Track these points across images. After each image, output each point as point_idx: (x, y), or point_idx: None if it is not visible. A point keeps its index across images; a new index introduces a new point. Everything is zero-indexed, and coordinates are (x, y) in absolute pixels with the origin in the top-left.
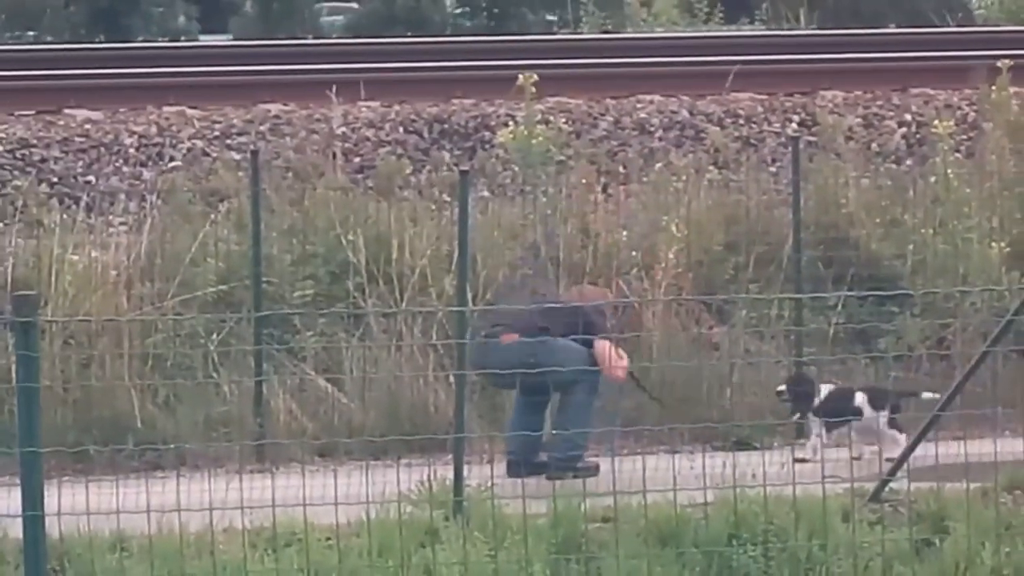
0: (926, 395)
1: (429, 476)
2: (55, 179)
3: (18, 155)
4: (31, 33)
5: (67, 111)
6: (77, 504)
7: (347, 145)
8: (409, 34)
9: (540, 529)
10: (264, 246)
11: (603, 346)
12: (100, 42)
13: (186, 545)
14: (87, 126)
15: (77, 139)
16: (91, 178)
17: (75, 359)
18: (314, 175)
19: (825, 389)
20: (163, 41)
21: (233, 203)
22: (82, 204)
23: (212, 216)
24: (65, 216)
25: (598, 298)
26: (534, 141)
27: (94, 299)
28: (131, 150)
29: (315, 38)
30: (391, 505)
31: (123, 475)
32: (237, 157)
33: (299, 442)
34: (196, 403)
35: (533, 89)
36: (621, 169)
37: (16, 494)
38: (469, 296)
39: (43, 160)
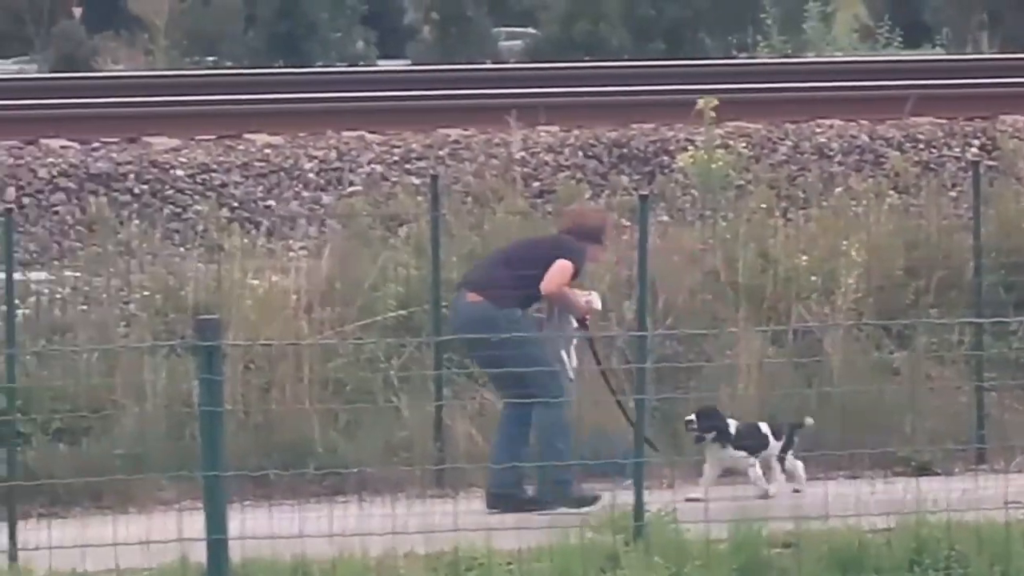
0: (808, 421)
1: (611, 501)
2: (235, 203)
3: (199, 180)
4: (211, 59)
5: (247, 136)
6: (259, 528)
7: (526, 170)
8: (587, 59)
9: (721, 554)
10: (443, 271)
11: (561, 265)
12: (279, 67)
13: (368, 570)
14: (267, 151)
15: (257, 164)
16: (271, 202)
17: (256, 384)
18: (493, 200)
19: (734, 424)
20: (341, 66)
21: (413, 228)
22: (262, 228)
23: (391, 241)
24: (245, 240)
25: (595, 219)
26: (713, 165)
27: (275, 324)
28: (311, 175)
29: (494, 63)
30: (572, 530)
31: (304, 500)
32: (416, 182)
33: (480, 467)
34: (376, 428)
35: (713, 113)
36: (800, 194)
37: (198, 518)
38: (649, 321)
39: (223, 185)
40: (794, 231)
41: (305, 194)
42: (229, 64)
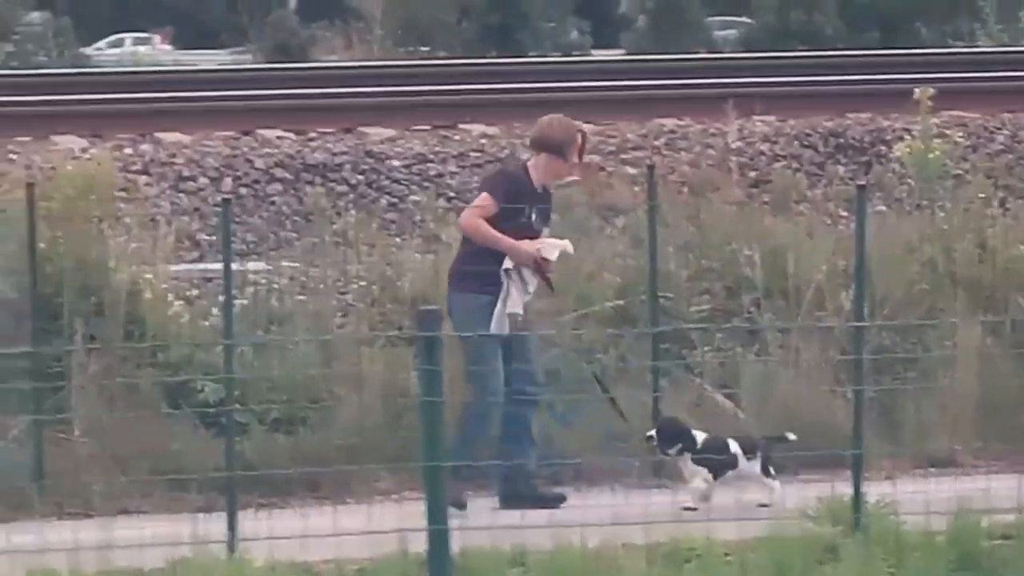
0: (791, 436)
1: (829, 492)
2: (452, 194)
3: (415, 170)
4: (424, 49)
5: (462, 126)
6: (478, 519)
7: (742, 159)
8: (802, 48)
9: (939, 546)
10: (660, 261)
11: (480, 198)
12: (493, 57)
13: (586, 560)
14: (483, 141)
15: (472, 154)
16: None
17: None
18: (709, 189)
19: (700, 436)
20: (556, 56)
21: (629, 217)
22: None
23: (608, 230)
24: None
25: (559, 130)
26: (930, 155)
27: None
28: None
29: (708, 52)
30: (790, 521)
31: None
32: (632, 171)
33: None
34: (594, 418)
35: (929, 103)
36: (1019, 183)
37: (416, 508)
38: (866, 311)
39: (439, 175)
40: (1012, 221)
41: None
42: (442, 54)
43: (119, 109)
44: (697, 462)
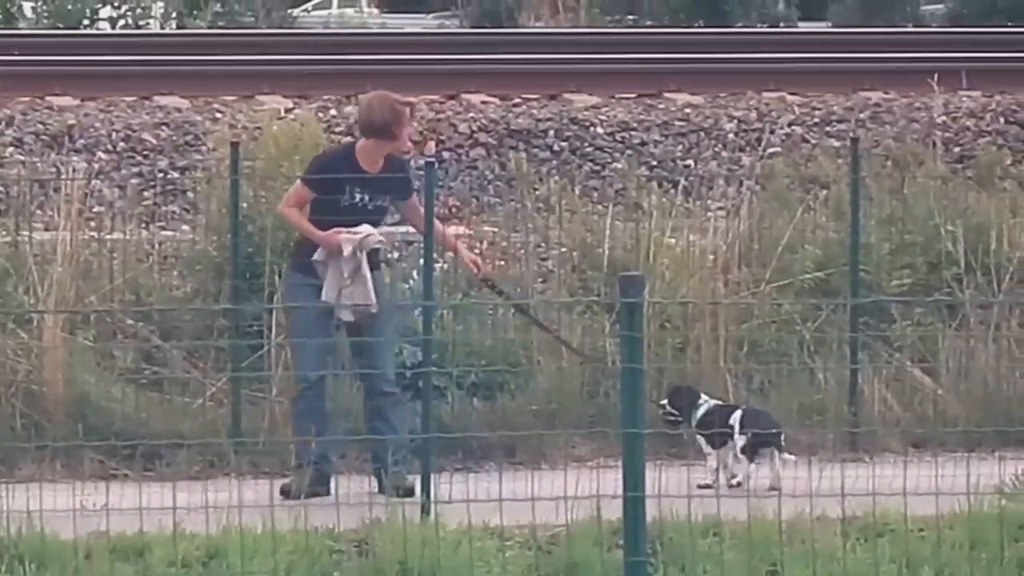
0: (787, 456)
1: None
2: (654, 162)
3: (618, 138)
4: (631, 17)
5: (667, 95)
6: (670, 487)
7: (947, 135)
8: (1010, 24)
9: None
10: (862, 234)
11: (295, 186)
12: (700, 27)
13: (779, 532)
14: (687, 110)
15: (677, 123)
16: (689, 162)
17: (671, 343)
18: (914, 164)
19: (706, 404)
20: (762, 27)
21: (831, 190)
22: (680, 188)
23: (809, 203)
24: (663, 199)
25: (381, 112)
26: None
27: (691, 283)
28: (730, 135)
29: (915, 27)
30: (986, 498)
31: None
32: (836, 144)
33: (894, 431)
34: (791, 390)
35: None
36: None
37: (611, 475)
38: None
39: (643, 143)
40: None
41: (724, 154)
42: (649, 23)
43: (325, 70)
44: (700, 433)
